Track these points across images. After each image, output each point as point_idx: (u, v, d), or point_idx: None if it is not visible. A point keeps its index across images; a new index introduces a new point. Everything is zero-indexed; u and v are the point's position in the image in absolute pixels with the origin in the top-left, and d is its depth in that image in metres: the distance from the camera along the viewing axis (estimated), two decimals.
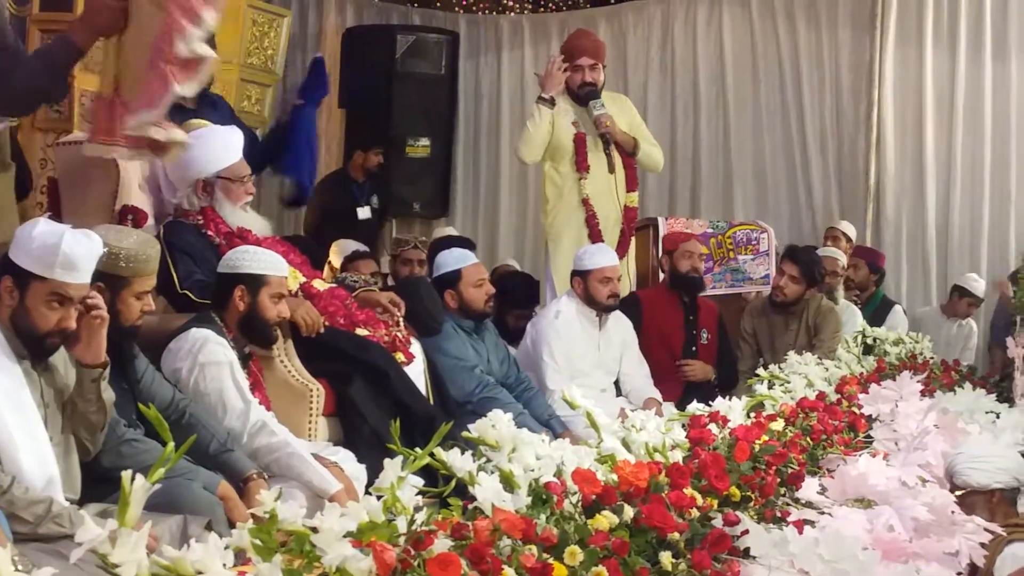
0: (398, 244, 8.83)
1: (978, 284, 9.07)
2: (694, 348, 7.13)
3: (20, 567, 2.19)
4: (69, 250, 3.46)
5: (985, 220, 9.56)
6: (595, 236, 7.11)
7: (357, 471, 4.51)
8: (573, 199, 7.19)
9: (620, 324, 6.70)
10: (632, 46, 10.57)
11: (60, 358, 3.65)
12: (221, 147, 5.14)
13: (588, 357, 6.52)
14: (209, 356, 4.37)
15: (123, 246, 3.96)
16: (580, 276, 6.52)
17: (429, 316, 5.78)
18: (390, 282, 8.03)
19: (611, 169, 7.23)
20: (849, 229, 9.29)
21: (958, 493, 4.09)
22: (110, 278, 3.90)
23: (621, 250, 7.24)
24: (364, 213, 9.35)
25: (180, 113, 6.30)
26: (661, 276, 7.54)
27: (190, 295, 4.85)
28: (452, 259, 6.12)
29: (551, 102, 7.16)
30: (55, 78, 4.26)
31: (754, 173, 10.23)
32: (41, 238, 3.47)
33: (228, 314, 4.55)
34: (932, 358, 7.58)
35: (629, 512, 2.92)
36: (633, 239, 7.48)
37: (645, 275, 7.84)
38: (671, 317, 7.14)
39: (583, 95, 7.23)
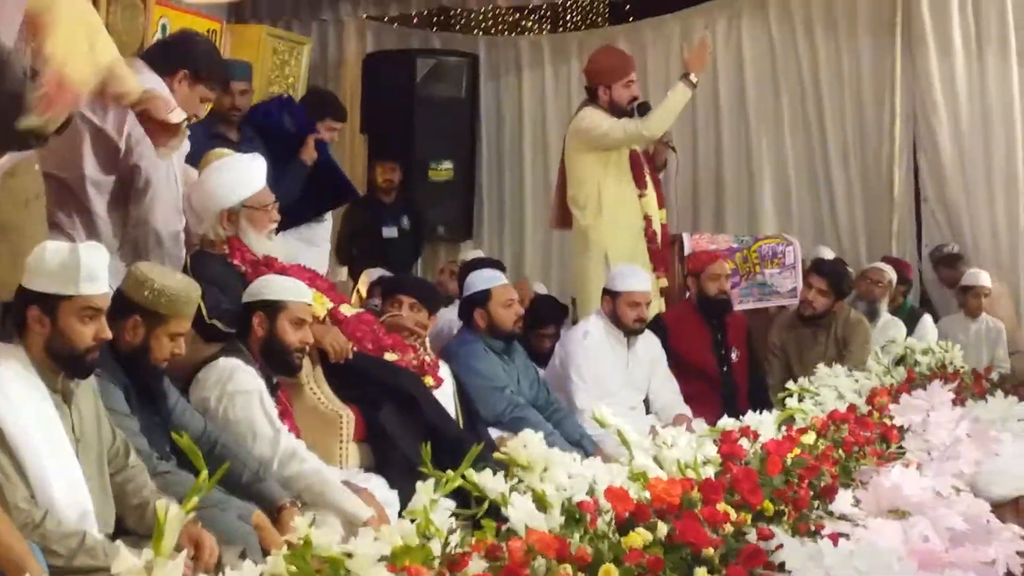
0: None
1: (978, 274, 9.01)
2: (725, 368, 7.08)
3: None
4: (89, 261, 3.48)
5: (1021, 229, 9.46)
6: (653, 254, 7.17)
7: (390, 497, 4.51)
8: (633, 214, 7.21)
9: (649, 341, 6.69)
10: (652, 63, 10.49)
11: (91, 402, 3.65)
12: (245, 175, 5.14)
13: (617, 376, 6.51)
14: (238, 385, 4.39)
15: (168, 284, 3.98)
16: (610, 295, 6.51)
17: (432, 291, 6.10)
18: None
19: (650, 185, 7.29)
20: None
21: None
22: (150, 314, 3.93)
23: (665, 267, 7.29)
24: (389, 232, 9.33)
25: (223, 145, 6.30)
26: (687, 294, 7.53)
27: (217, 324, 4.86)
28: (482, 279, 6.14)
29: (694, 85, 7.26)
30: None
31: (777, 187, 10.14)
32: (57, 258, 3.48)
33: (252, 342, 4.56)
34: (963, 367, 7.52)
35: (663, 529, 2.91)
36: None
37: (670, 292, 7.82)
38: (699, 338, 7.10)
39: (636, 109, 7.32)
